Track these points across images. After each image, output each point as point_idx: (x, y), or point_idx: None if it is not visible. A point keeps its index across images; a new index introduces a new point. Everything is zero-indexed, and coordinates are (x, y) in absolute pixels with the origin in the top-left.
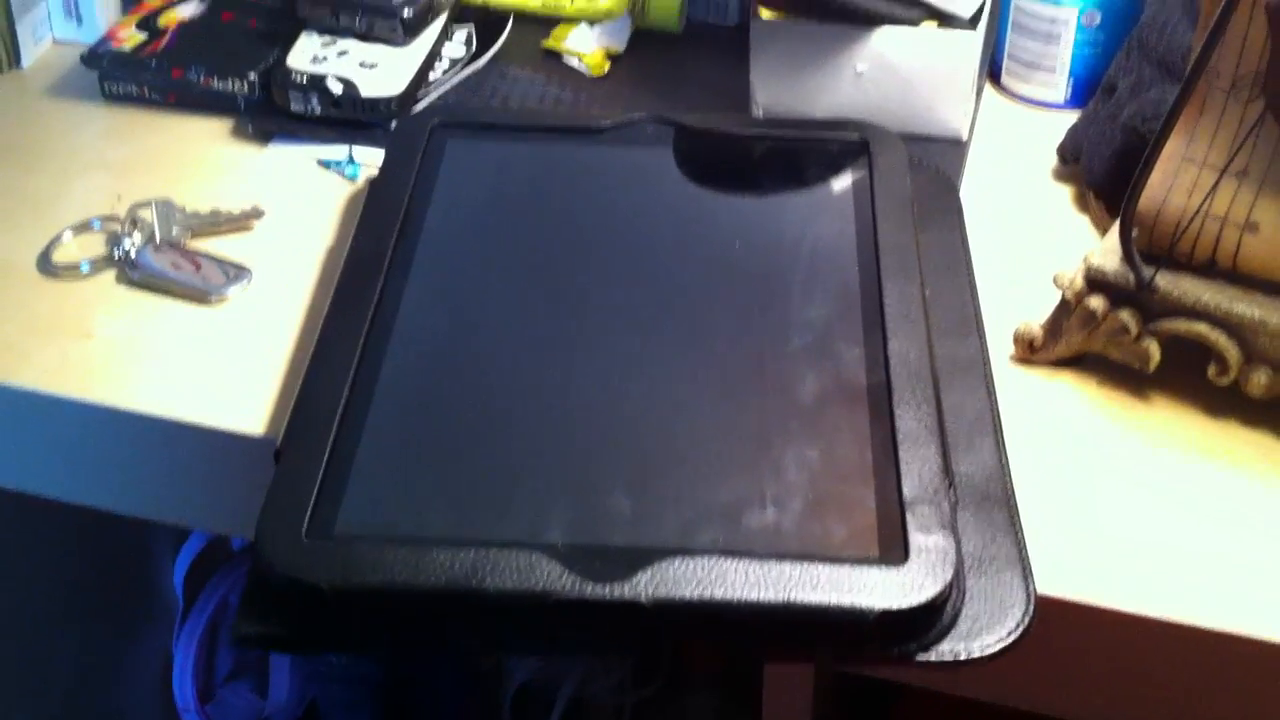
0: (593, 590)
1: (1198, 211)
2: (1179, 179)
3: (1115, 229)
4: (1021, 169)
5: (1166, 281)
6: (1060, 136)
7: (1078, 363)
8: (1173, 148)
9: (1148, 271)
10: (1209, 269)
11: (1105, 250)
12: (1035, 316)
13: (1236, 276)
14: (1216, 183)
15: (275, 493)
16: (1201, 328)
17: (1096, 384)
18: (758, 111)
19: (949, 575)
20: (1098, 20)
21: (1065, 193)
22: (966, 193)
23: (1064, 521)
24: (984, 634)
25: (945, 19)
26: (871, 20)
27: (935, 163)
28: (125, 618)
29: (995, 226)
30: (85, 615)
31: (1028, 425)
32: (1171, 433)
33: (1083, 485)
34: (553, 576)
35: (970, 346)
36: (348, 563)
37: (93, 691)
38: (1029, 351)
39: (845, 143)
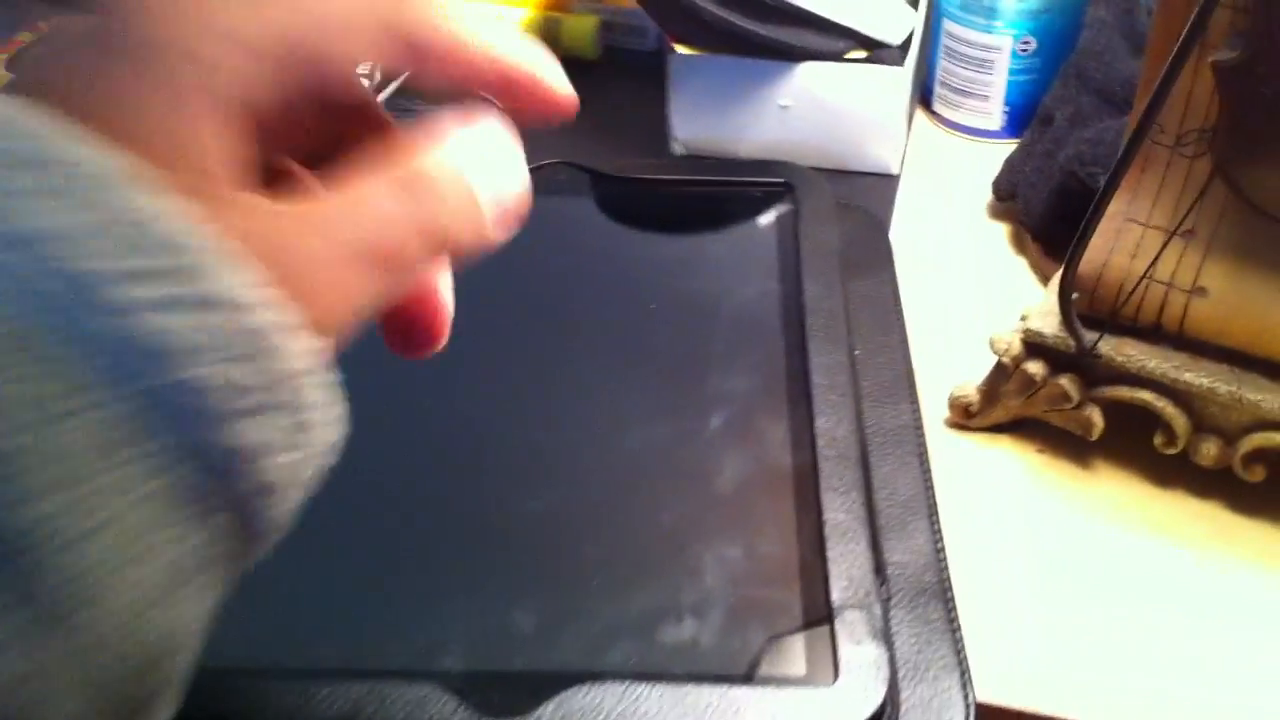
0: None
1: (1143, 275)
2: (1121, 240)
3: (1054, 286)
4: (955, 204)
5: (1109, 347)
6: (995, 166)
7: (1017, 426)
8: (1115, 206)
9: (1090, 337)
10: (1154, 333)
11: (1043, 311)
12: (970, 372)
13: (1184, 341)
14: (1163, 245)
15: None
16: (1147, 395)
17: (1036, 450)
18: (677, 148)
19: (881, 694)
20: (1033, 47)
21: (1001, 231)
22: (897, 231)
23: (1003, 612)
24: None
25: (873, 45)
26: (794, 55)
27: (864, 203)
28: None
29: (928, 270)
30: None
31: (963, 500)
32: (1118, 505)
33: (1023, 568)
34: (446, 711)
35: (903, 414)
36: (215, 701)
37: None
38: (965, 417)
39: (769, 189)
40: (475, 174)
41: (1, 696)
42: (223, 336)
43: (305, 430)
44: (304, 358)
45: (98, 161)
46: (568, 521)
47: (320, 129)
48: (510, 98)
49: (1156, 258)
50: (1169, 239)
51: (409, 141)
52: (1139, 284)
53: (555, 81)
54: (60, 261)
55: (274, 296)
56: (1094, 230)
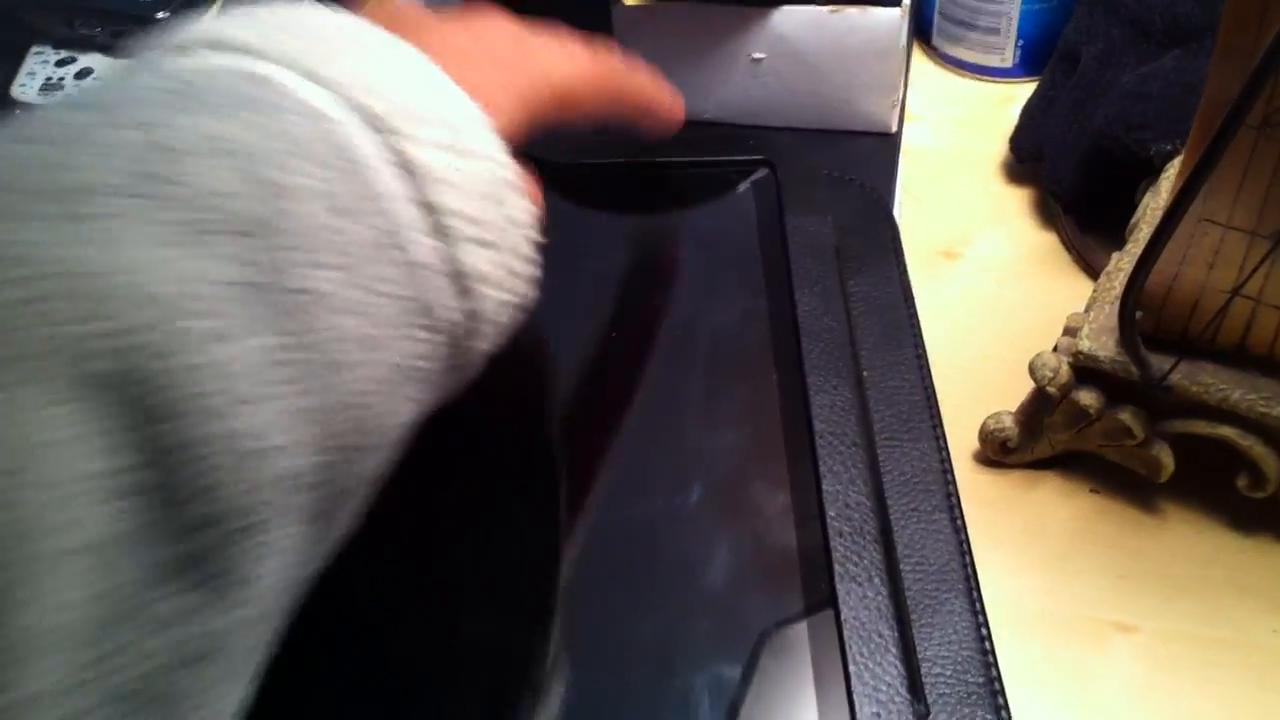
0: None
1: (1233, 290)
2: (1195, 245)
3: (1104, 299)
4: (967, 167)
5: (1182, 375)
6: (1010, 113)
7: (1065, 459)
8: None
9: (1159, 365)
10: (1237, 357)
11: (1096, 329)
12: (1004, 389)
13: (1274, 366)
14: (1247, 251)
15: None
16: (1229, 432)
17: (1089, 490)
18: None
19: None
20: None
21: (1024, 197)
22: (901, 204)
23: (1069, 709)
24: None
25: None
26: None
27: (860, 173)
28: None
29: (941, 256)
30: None
31: (1003, 558)
32: (1194, 559)
33: (1083, 644)
34: None
35: (926, 454)
36: None
37: None
38: (1001, 453)
39: (745, 169)
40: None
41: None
42: (476, 178)
43: (516, 276)
44: (527, 213)
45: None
46: (522, 646)
47: None
48: (638, 121)
49: (1242, 268)
50: (1253, 241)
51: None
52: (1219, 299)
53: (672, 103)
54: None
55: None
56: (1166, 240)
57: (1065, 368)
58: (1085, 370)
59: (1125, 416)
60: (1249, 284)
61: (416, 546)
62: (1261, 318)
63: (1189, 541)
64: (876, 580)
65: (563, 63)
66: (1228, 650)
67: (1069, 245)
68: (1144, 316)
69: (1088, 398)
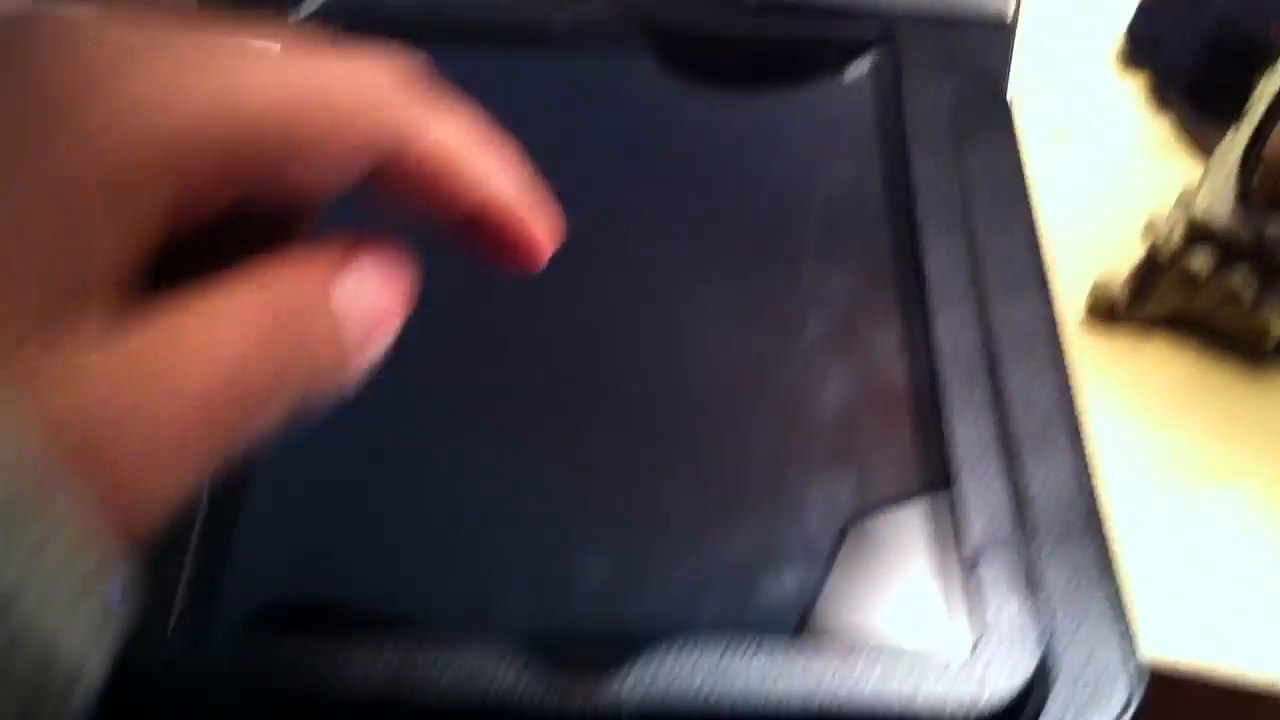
0: (558, 698)
1: None
2: None
3: (1221, 163)
4: (1083, 55)
5: None
6: (1126, 3)
7: (1173, 321)
8: None
9: (1274, 226)
10: None
11: (1211, 192)
12: (1113, 258)
13: None
14: None
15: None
16: None
17: (1198, 353)
18: None
19: (1033, 661)
20: None
21: (1139, 84)
22: (1017, 90)
23: (1168, 550)
24: None
25: None
26: None
27: (976, 57)
28: None
29: (1054, 137)
30: None
31: (1111, 413)
32: None
33: (1187, 495)
34: (506, 680)
35: (1035, 310)
36: (239, 667)
37: None
38: (1110, 316)
39: (863, 43)
40: (355, 325)
41: None
42: None
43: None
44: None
45: None
46: (646, 453)
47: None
48: (480, 240)
49: None
50: None
51: (306, 257)
52: None
53: (540, 239)
54: None
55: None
56: None
57: (1179, 230)
58: (1198, 233)
59: (1235, 280)
60: None
61: (556, 354)
62: None
63: None
64: (986, 414)
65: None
66: None
67: (1183, 129)
68: (1262, 175)
69: (1199, 261)
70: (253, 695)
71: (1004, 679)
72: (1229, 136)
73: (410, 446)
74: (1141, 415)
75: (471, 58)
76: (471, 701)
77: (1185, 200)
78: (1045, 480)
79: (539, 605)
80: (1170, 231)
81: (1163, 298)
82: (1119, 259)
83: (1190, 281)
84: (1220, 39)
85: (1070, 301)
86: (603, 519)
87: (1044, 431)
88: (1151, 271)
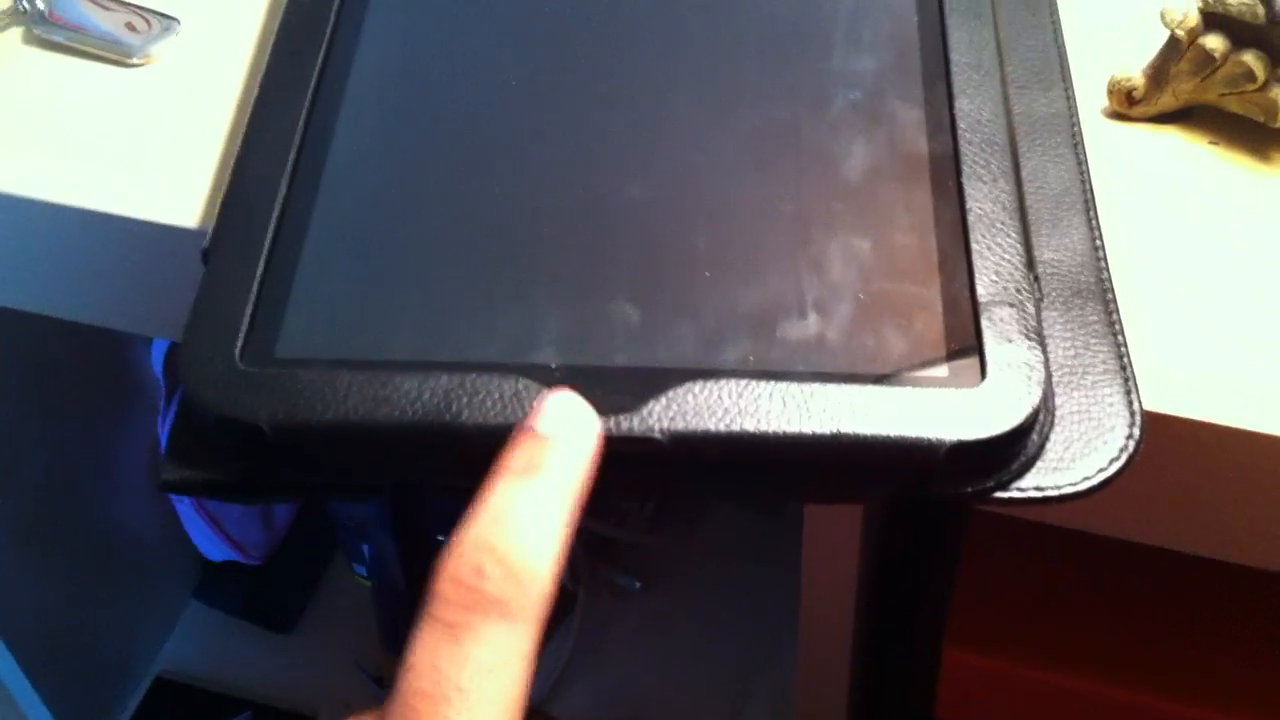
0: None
1: None
2: None
3: None
4: None
5: None
6: None
7: (1186, 115)
8: None
9: None
10: None
11: None
12: (1130, 54)
13: None
14: None
15: (202, 307)
16: None
17: (1209, 142)
18: None
19: (1036, 396)
20: None
21: None
22: None
23: (1171, 315)
24: (1078, 463)
25: None
26: None
27: None
28: (102, 405)
29: None
30: (56, 406)
31: (1125, 196)
32: None
33: (1193, 269)
34: None
35: (1054, 100)
36: (292, 395)
37: (73, 488)
38: (1127, 104)
39: None
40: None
41: None
42: None
43: None
44: None
45: None
46: (677, 207)
47: None
48: None
49: None
50: None
51: None
52: None
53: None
54: None
55: None
56: None
57: (1194, 12)
58: (1213, 16)
59: (1249, 58)
60: None
61: (591, 119)
62: None
63: None
64: (1001, 183)
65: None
66: None
67: None
68: None
69: (1214, 41)
70: (301, 420)
71: (1008, 410)
72: None
73: (459, 207)
74: (1153, 198)
75: None
76: (510, 429)
77: None
78: (1056, 249)
79: (573, 344)
80: (1187, 14)
81: (1178, 84)
82: (1138, 55)
83: (1205, 64)
84: None
85: (1090, 95)
86: (632, 267)
87: (1056, 209)
88: (1169, 55)
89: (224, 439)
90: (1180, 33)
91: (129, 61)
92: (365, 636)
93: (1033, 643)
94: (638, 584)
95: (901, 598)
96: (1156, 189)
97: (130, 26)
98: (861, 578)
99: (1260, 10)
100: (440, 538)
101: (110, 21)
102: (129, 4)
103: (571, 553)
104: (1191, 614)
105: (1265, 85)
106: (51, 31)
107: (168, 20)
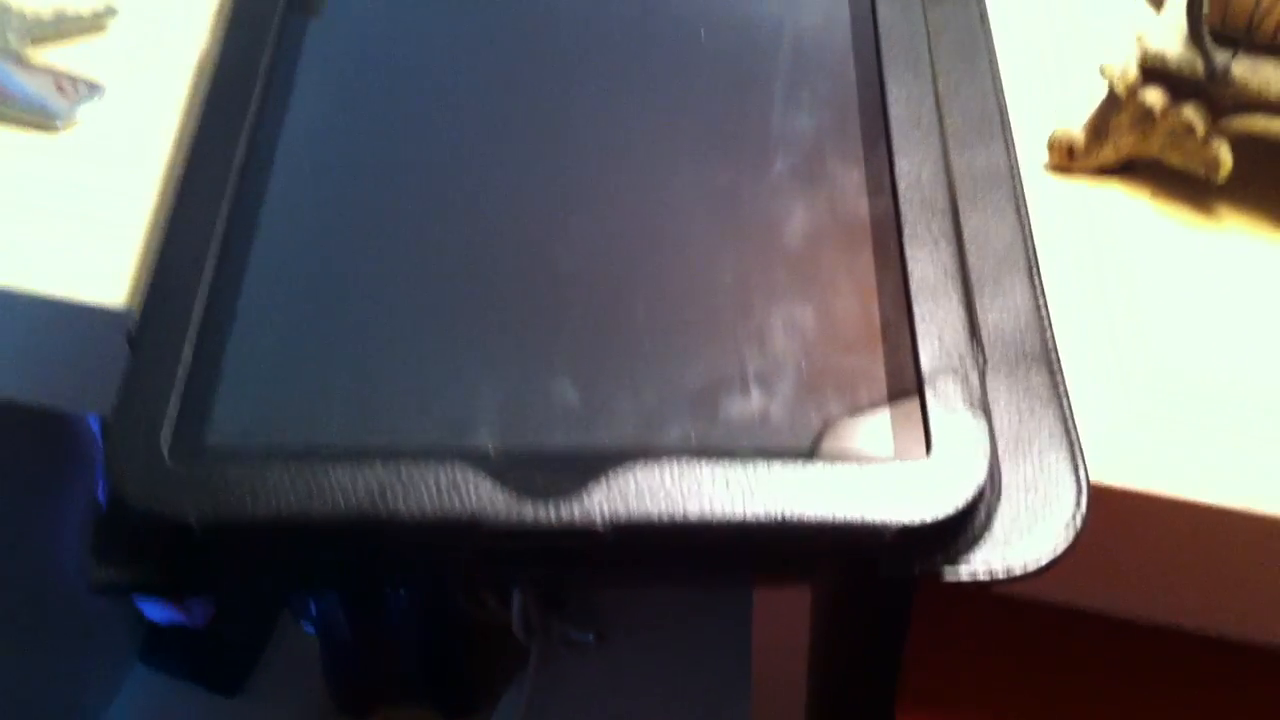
0: (533, 512)
1: None
2: None
3: (1174, 1)
4: None
5: (1244, 69)
6: None
7: (1127, 169)
8: None
9: (1221, 58)
10: None
11: (1164, 29)
12: (1071, 107)
13: None
14: None
15: (127, 398)
16: None
17: (1151, 195)
18: None
19: (983, 471)
20: None
21: None
22: None
23: (1117, 379)
24: (1026, 538)
25: None
26: None
27: None
28: (41, 465)
29: None
30: None
31: (1067, 253)
32: (1247, 257)
33: (1138, 330)
34: (482, 496)
35: (995, 155)
36: (222, 490)
37: (12, 551)
38: (1068, 158)
39: None
40: None
41: None
42: None
43: None
44: None
45: None
46: (614, 280)
47: None
48: None
49: None
50: None
51: None
52: None
53: None
54: None
55: None
56: None
57: (1134, 67)
58: (1152, 70)
59: (1188, 112)
60: None
61: (526, 187)
62: None
63: (1243, 240)
64: (943, 246)
65: None
66: (1270, 337)
67: None
68: (1210, 11)
69: (1153, 95)
70: (231, 516)
71: (956, 487)
72: None
73: (391, 285)
74: (1094, 255)
75: None
76: (447, 521)
77: (1140, 39)
78: (1000, 310)
79: (510, 426)
80: (1125, 68)
81: (1119, 138)
82: (1079, 108)
83: (1145, 118)
84: None
85: (1031, 148)
86: (571, 344)
87: (999, 269)
88: (1109, 109)
89: (152, 535)
90: (1120, 87)
91: (53, 127)
92: (315, 695)
93: (986, 703)
94: (592, 636)
95: (852, 657)
96: (1099, 245)
97: (56, 90)
98: (813, 638)
99: (1199, 65)
100: (389, 591)
101: (35, 86)
102: (54, 68)
103: (524, 605)
104: (1144, 678)
105: (1206, 139)
106: None
107: (93, 85)
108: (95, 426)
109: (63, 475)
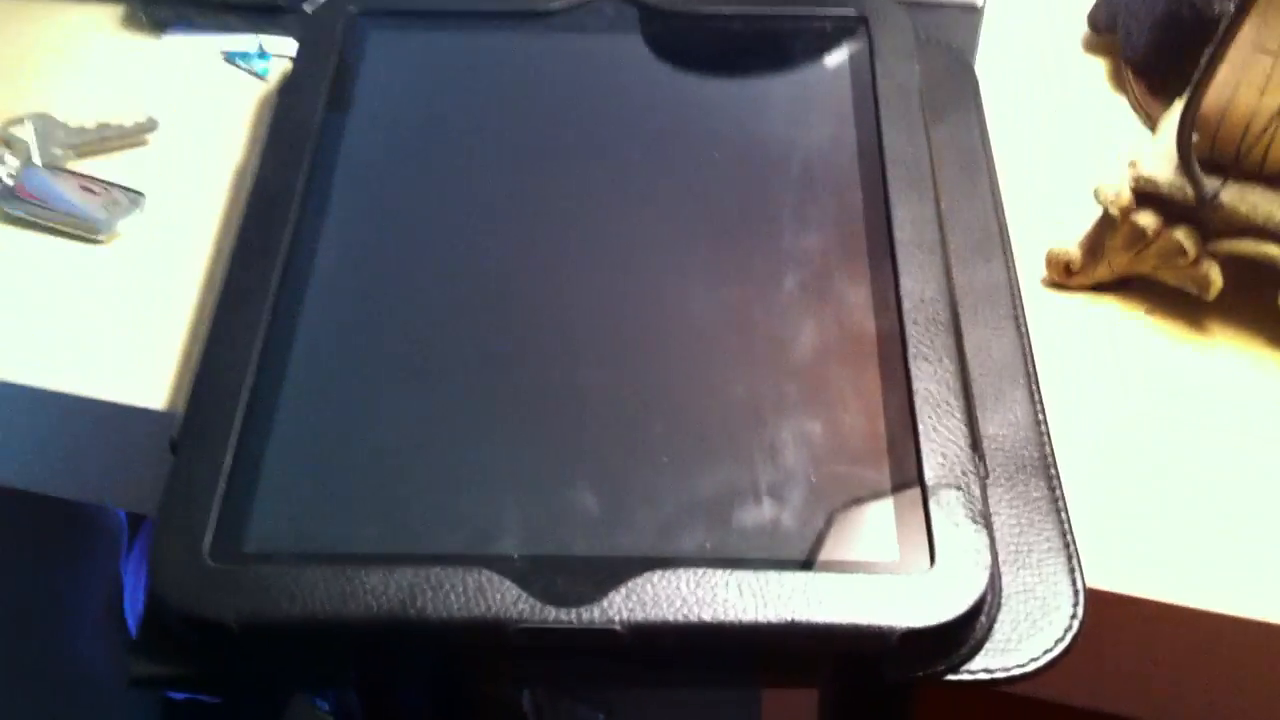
0: (556, 615)
1: (1274, 113)
2: (1248, 73)
3: (1167, 127)
4: (1046, 39)
5: (1233, 195)
6: None
7: (1123, 285)
8: (1240, 34)
9: (1211, 185)
10: None
11: (1156, 156)
12: (1070, 227)
13: None
14: None
15: (170, 504)
16: (1273, 250)
17: (1145, 311)
18: None
19: (984, 581)
20: None
21: (1099, 66)
22: (983, 69)
23: (1113, 489)
24: (1025, 643)
25: None
26: None
27: (946, 37)
28: (64, 544)
29: (1018, 112)
30: (15, 545)
31: (1065, 367)
32: (1237, 372)
33: (1133, 441)
34: (507, 600)
35: (995, 271)
36: (259, 592)
37: (40, 627)
38: (1065, 276)
39: (840, 23)
40: None
41: None
42: None
43: None
44: None
45: None
46: (632, 394)
47: None
48: None
49: None
50: None
51: None
52: (1269, 123)
53: None
54: None
55: None
56: (1220, 62)
57: (1127, 190)
58: (1144, 194)
59: (1180, 234)
60: None
61: (549, 307)
62: None
63: (1234, 356)
64: (946, 363)
65: None
66: (1266, 447)
67: (1138, 107)
68: (1199, 140)
69: (1146, 218)
70: (268, 617)
71: (958, 596)
72: (1175, 104)
73: (421, 397)
74: (1093, 370)
75: (476, 37)
76: (474, 623)
77: (1133, 163)
78: (1000, 423)
79: (534, 534)
80: (1119, 192)
81: (1113, 257)
82: (1076, 226)
83: (1138, 239)
84: (1172, 15)
85: (1029, 264)
86: (592, 455)
87: (1000, 383)
88: (1103, 230)
89: (191, 634)
90: (1114, 210)
91: (96, 238)
92: None
93: None
94: (601, 716)
95: None
96: (1096, 359)
97: (98, 203)
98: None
99: (1189, 190)
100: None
101: (79, 198)
102: (98, 179)
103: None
104: None
105: (1197, 260)
106: (19, 208)
107: (135, 195)
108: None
109: (85, 554)
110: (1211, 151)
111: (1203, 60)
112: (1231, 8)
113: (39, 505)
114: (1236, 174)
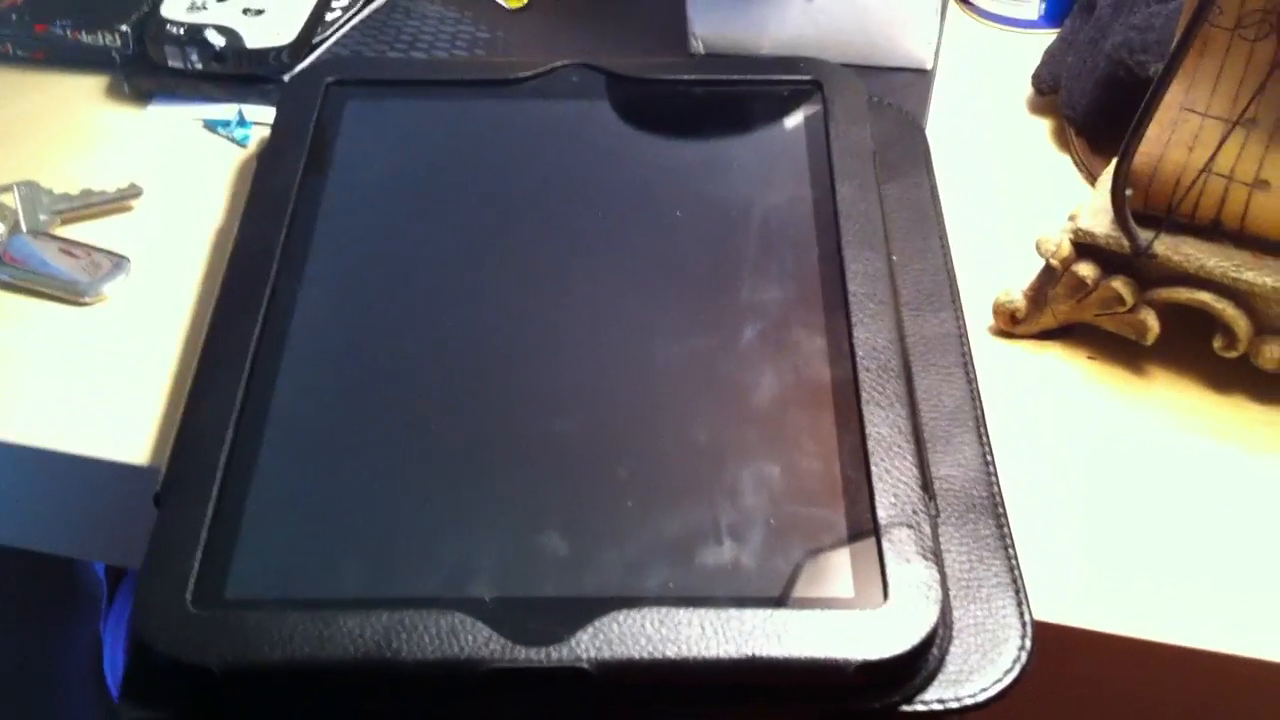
0: (526, 655)
1: (1202, 168)
2: (1178, 131)
3: (1104, 182)
4: (993, 101)
5: (1166, 246)
6: (1035, 58)
7: (1066, 332)
8: (1171, 95)
9: (1145, 236)
10: (1213, 230)
11: (1094, 210)
12: (1015, 278)
13: (1244, 238)
14: (1223, 136)
15: (155, 554)
16: (1206, 297)
17: (1087, 357)
18: (697, 46)
19: (935, 614)
20: None
21: (1043, 126)
22: (933, 130)
23: (1058, 527)
24: (976, 675)
25: None
26: None
27: (898, 100)
28: (44, 605)
29: (967, 171)
30: (4, 612)
31: (1012, 411)
32: (1175, 412)
33: (1076, 480)
34: (479, 641)
35: (945, 321)
36: (240, 637)
37: (22, 688)
38: (1010, 324)
39: (796, 87)
40: None
41: None
42: None
43: None
44: None
45: None
46: (598, 441)
47: None
48: None
49: (1216, 149)
50: (1230, 129)
51: None
52: (1198, 178)
53: None
54: None
55: None
56: (1150, 120)
57: (1067, 243)
58: (1083, 246)
59: (1117, 284)
60: (1222, 163)
61: (518, 360)
62: (1233, 194)
63: (1171, 398)
64: (897, 408)
65: None
66: (1201, 486)
67: (1080, 165)
68: (1134, 195)
69: (1085, 269)
70: (249, 661)
71: (911, 629)
72: (1113, 162)
73: (395, 448)
74: (1038, 415)
75: (448, 104)
76: (447, 664)
77: (1072, 216)
78: (950, 465)
79: (505, 577)
80: (1060, 244)
81: (1055, 306)
82: (1021, 277)
83: (1079, 288)
84: (1111, 76)
85: (977, 314)
86: (560, 501)
87: (950, 427)
88: (1046, 280)
89: (177, 678)
90: (1055, 261)
91: (82, 300)
92: None
93: None
94: None
95: None
96: (1041, 403)
97: (80, 266)
98: None
99: (1125, 242)
100: None
101: (61, 261)
102: (80, 244)
103: None
104: None
105: (1135, 308)
106: (4, 272)
107: (119, 259)
108: (99, 565)
109: (65, 614)
110: (1145, 205)
111: (1134, 120)
112: None
113: (23, 567)
114: (1170, 226)
